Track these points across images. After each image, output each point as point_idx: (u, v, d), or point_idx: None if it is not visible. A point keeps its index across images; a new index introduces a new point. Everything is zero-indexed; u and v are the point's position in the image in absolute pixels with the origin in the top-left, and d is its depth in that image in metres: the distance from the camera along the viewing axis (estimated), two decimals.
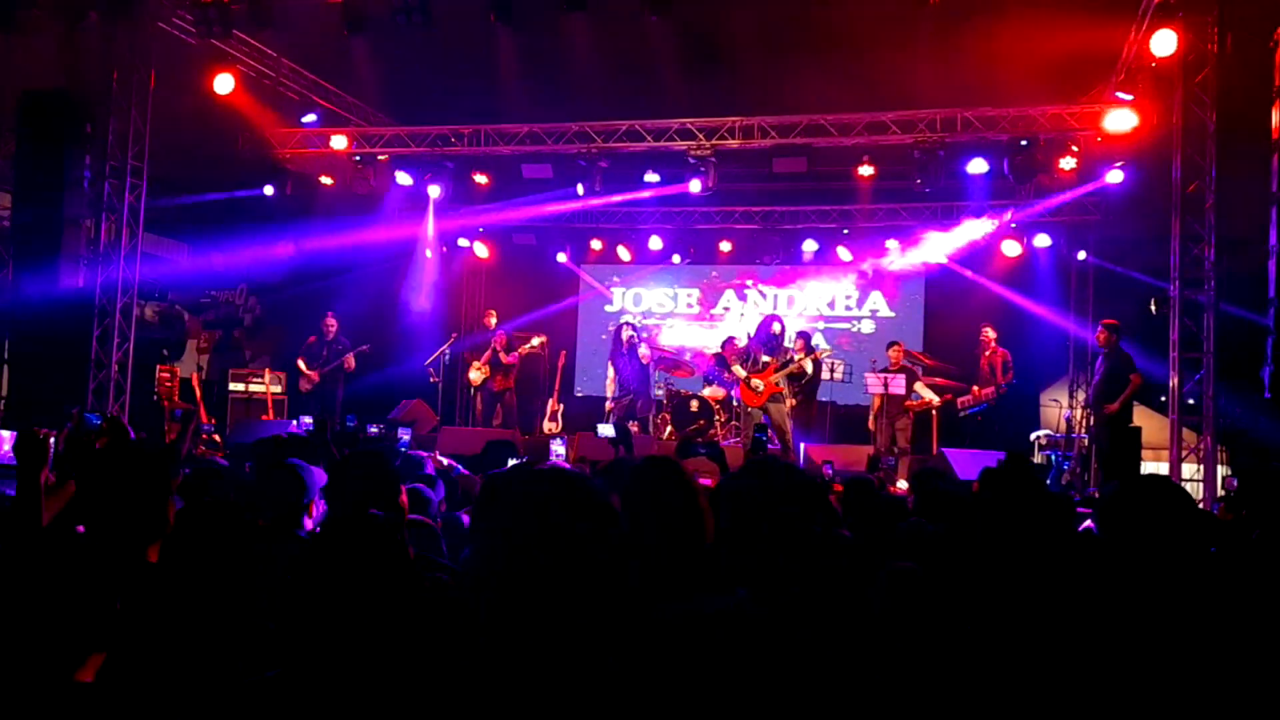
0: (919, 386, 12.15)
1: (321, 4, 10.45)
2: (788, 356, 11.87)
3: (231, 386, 13.21)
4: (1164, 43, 9.26)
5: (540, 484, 1.91)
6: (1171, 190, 9.84)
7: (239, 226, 13.57)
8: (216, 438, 11.13)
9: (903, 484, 10.31)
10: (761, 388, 11.49)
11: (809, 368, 11.86)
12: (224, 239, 14.12)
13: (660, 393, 13.72)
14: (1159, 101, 10.22)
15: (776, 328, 12.05)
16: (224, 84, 11.27)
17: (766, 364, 11.68)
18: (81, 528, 2.80)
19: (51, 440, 3.00)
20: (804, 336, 12.61)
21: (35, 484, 2.95)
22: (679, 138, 12.14)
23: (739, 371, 11.68)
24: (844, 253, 15.25)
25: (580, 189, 12.85)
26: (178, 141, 11.65)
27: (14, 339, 10.30)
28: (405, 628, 2.06)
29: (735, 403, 13.07)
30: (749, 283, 16.42)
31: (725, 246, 15.76)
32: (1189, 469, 9.84)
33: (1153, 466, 11.57)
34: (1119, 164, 11.59)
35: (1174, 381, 9.76)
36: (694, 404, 13.34)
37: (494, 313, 14.22)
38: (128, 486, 2.76)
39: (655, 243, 15.80)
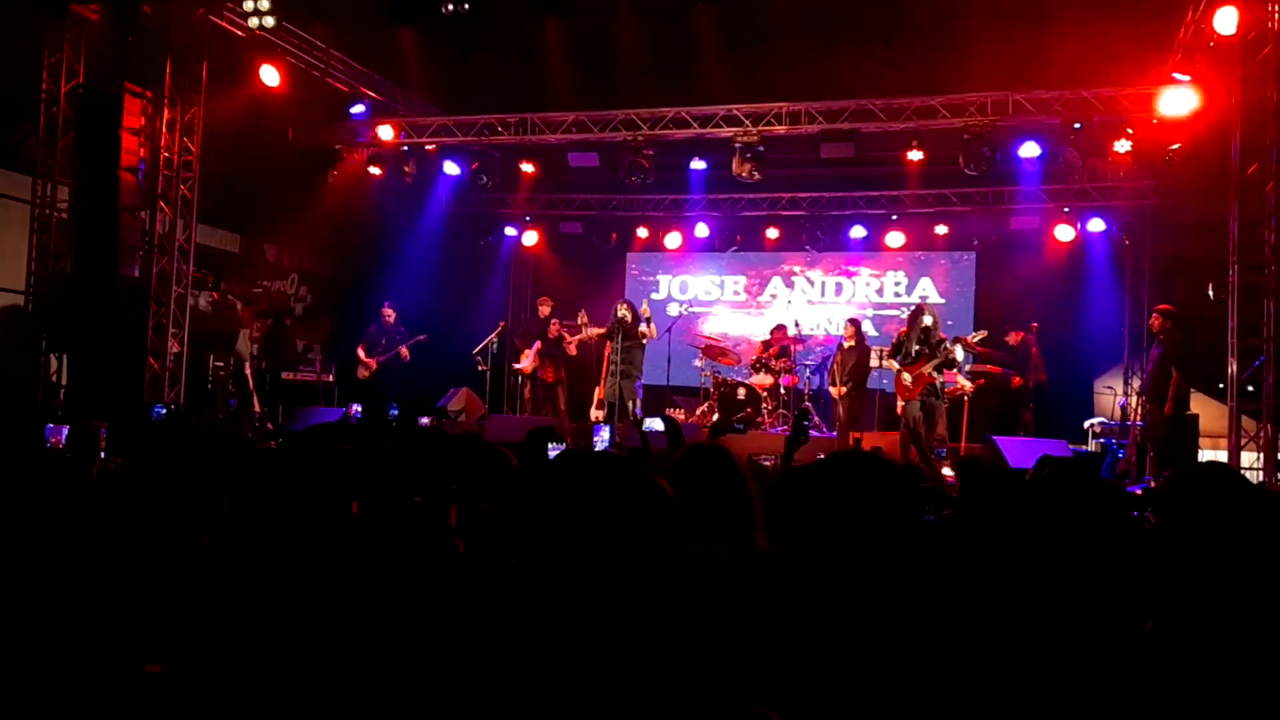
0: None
1: None
2: (939, 346, 11.38)
3: (283, 375, 13.41)
4: (1225, 20, 9.03)
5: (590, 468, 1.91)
6: (1230, 172, 9.59)
7: (290, 217, 13.71)
8: (270, 426, 11.28)
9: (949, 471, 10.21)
10: (911, 380, 11.14)
11: (959, 354, 11.49)
12: (276, 229, 14.29)
13: (707, 380, 13.70)
14: (1217, 82, 9.97)
15: (927, 319, 11.59)
16: (270, 76, 11.35)
17: (919, 355, 11.27)
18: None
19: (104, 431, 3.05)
20: (854, 323, 12.53)
21: (89, 474, 3.00)
22: (725, 124, 12.04)
23: (892, 365, 11.36)
24: (893, 239, 15.11)
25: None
26: (229, 132, 11.81)
27: (71, 329, 10.44)
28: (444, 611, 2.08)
29: (783, 390, 13.02)
30: (796, 269, 16.31)
31: (772, 234, 15.66)
32: (1248, 457, 9.62)
33: (1210, 454, 11.35)
34: (1176, 146, 11.33)
35: (1233, 368, 9.52)
36: (741, 392, 13.31)
37: (548, 301, 14.18)
38: (187, 473, 2.80)
39: (702, 230, 15.76)
